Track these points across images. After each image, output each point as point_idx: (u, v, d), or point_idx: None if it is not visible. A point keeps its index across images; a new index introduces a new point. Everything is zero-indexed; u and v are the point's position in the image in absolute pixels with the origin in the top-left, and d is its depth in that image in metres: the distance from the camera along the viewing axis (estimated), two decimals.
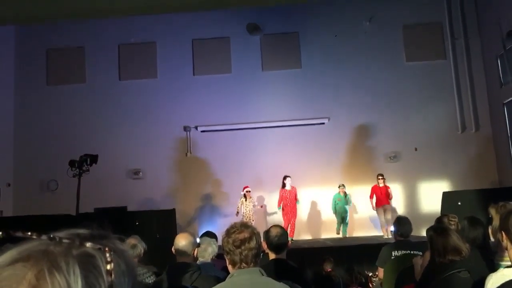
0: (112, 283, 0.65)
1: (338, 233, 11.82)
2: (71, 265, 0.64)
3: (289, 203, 11.25)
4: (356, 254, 9.15)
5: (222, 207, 12.77)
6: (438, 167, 12.71)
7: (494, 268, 3.22)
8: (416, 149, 12.96)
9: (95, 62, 13.71)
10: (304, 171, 12.58)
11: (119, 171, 12.95)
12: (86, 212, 9.90)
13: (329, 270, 7.26)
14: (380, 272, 5.05)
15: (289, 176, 11.40)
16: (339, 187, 11.80)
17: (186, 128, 13.33)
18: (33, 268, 0.62)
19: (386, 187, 11.40)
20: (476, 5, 13.56)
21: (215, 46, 13.62)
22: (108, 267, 0.66)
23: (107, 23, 12.94)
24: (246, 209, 11.24)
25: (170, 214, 10.08)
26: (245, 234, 2.39)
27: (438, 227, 3.63)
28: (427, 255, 3.60)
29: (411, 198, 12.81)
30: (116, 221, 9.26)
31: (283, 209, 11.30)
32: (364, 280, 7.89)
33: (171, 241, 3.54)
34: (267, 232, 3.50)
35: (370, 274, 7.40)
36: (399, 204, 12.59)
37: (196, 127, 13.33)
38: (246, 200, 11.29)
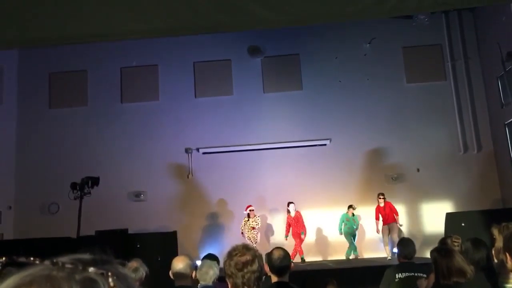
0: None
1: (357, 256, 11.82)
2: None
3: (294, 228, 11.31)
4: (359, 276, 9.04)
5: (223, 229, 12.70)
6: (441, 188, 12.65)
7: None
8: (418, 170, 12.92)
9: (97, 85, 13.81)
10: (306, 193, 12.54)
11: (121, 194, 12.92)
12: (87, 234, 9.84)
13: None
14: None
15: (292, 203, 11.41)
16: (349, 207, 11.76)
17: (187, 150, 13.33)
18: None
19: (389, 205, 11.44)
20: (475, 26, 13.68)
21: (216, 69, 13.73)
22: None
23: (109, 46, 13.06)
24: (248, 228, 11.20)
25: (171, 237, 10.02)
26: (247, 257, 2.37)
27: (442, 248, 3.60)
28: (432, 277, 3.56)
29: (414, 219, 12.72)
30: (117, 244, 9.20)
31: (292, 234, 11.34)
32: None
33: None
34: (269, 255, 3.46)
35: None
36: (402, 225, 12.48)
37: (197, 149, 13.33)
38: (248, 220, 11.27)
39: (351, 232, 11.69)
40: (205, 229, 12.88)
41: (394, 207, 11.48)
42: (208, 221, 12.95)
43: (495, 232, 3.76)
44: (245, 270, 2.33)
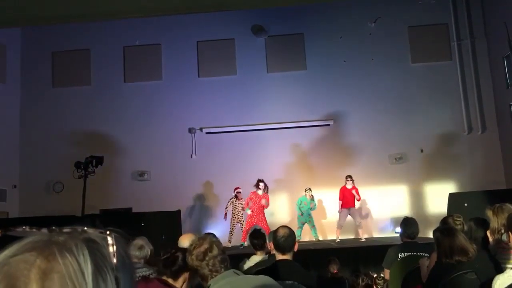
0: (117, 266, 0.67)
1: (317, 238, 11.45)
2: (80, 247, 0.64)
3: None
4: (362, 255, 9.12)
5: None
6: (444, 169, 12.65)
7: (501, 269, 3.20)
8: (422, 151, 12.91)
9: (101, 65, 13.76)
10: (308, 173, 12.58)
11: (125, 173, 12.98)
12: (92, 213, 9.93)
13: (335, 271, 7.23)
14: (386, 274, 5.03)
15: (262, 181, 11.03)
16: (305, 190, 11.39)
17: (191, 130, 13.34)
18: (41, 255, 0.63)
19: (354, 189, 11.08)
20: (482, 6, 13.50)
21: (220, 48, 13.63)
22: (111, 249, 0.67)
23: (112, 25, 12.98)
24: (235, 210, 11.22)
25: (175, 216, 10.10)
26: (205, 246, 2.46)
27: (445, 228, 3.62)
28: (434, 256, 3.59)
29: (417, 200, 12.75)
30: (122, 222, 9.29)
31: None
32: (370, 282, 7.85)
33: (176, 243, 3.54)
34: (274, 232, 3.49)
35: (375, 276, 7.36)
36: (405, 205, 12.54)
37: (201, 129, 13.34)
38: (236, 201, 11.27)
39: (305, 215, 11.31)
40: (208, 208, 12.96)
41: (358, 192, 11.04)
42: (211, 200, 13.02)
43: (489, 213, 3.77)
44: (207, 258, 2.41)
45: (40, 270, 0.61)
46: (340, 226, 11.19)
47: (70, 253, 0.63)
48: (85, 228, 0.68)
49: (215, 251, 2.44)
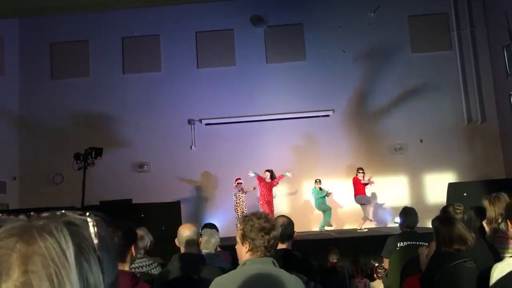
0: (98, 246, 0.67)
1: (330, 225, 11.45)
2: (60, 229, 0.64)
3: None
4: (361, 245, 9.14)
5: (226, 199, 12.76)
6: (443, 159, 12.65)
7: (499, 258, 3.21)
8: (421, 141, 12.90)
9: (99, 56, 13.71)
10: (309, 163, 12.58)
11: (124, 164, 12.99)
12: (92, 205, 9.94)
13: (334, 261, 7.24)
14: (386, 263, 5.06)
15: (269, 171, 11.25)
16: (315, 182, 11.46)
17: (190, 121, 13.32)
18: (21, 239, 0.63)
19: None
20: None
21: (219, 39, 13.58)
22: (92, 230, 0.67)
23: (110, 16, 12.93)
24: (239, 200, 11.25)
25: (175, 207, 10.12)
26: (271, 223, 2.42)
27: (444, 217, 3.62)
28: (433, 245, 3.60)
29: (417, 190, 12.77)
30: (122, 213, 9.29)
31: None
32: (369, 272, 7.88)
33: (176, 233, 3.55)
34: None
35: (376, 265, 7.38)
36: (404, 195, 12.56)
37: (200, 120, 13.32)
38: (239, 192, 11.30)
39: (323, 205, 11.40)
40: (207, 199, 12.98)
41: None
42: (210, 191, 13.04)
43: (486, 203, 3.78)
44: (271, 235, 2.37)
45: (21, 254, 0.61)
46: (365, 218, 11.16)
47: (50, 236, 0.63)
48: (64, 212, 0.68)
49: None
